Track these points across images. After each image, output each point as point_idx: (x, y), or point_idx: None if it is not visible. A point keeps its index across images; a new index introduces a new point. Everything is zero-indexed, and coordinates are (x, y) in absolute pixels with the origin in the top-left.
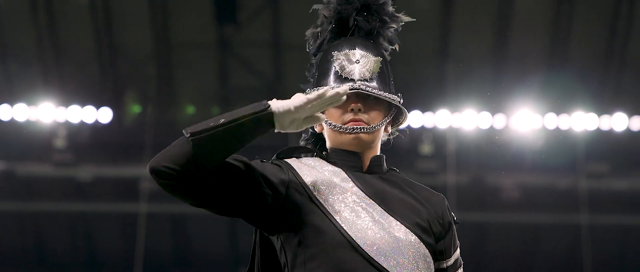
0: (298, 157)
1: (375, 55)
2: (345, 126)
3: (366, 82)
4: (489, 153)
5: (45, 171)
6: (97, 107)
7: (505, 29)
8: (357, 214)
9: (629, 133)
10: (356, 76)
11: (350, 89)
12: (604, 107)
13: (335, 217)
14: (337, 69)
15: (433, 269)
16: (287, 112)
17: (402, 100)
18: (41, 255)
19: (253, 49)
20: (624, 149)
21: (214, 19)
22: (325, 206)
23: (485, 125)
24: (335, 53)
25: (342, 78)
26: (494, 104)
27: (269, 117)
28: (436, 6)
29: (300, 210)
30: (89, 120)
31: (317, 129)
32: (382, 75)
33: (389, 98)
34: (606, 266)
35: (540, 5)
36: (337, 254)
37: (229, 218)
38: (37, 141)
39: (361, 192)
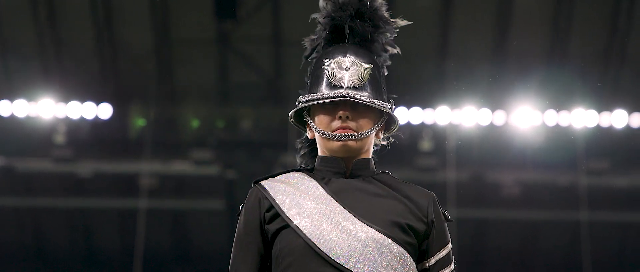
0: (273, 176)
1: (367, 62)
2: (333, 133)
3: (355, 90)
4: (489, 150)
5: (45, 167)
6: (97, 103)
7: (505, 26)
8: (326, 224)
9: (628, 130)
10: (346, 83)
11: (338, 97)
12: (604, 104)
13: (304, 231)
14: (328, 75)
15: (414, 268)
16: None
17: (393, 106)
18: (40, 251)
19: (253, 45)
20: (623, 146)
21: (214, 15)
22: (294, 221)
23: (485, 122)
24: (326, 60)
25: (332, 85)
26: (494, 101)
27: None
28: (436, 3)
29: (276, 229)
30: (89, 116)
31: (309, 136)
32: (374, 82)
33: (378, 105)
34: (605, 263)
35: (540, 2)
36: (305, 264)
37: (229, 215)
38: (37, 137)
39: (332, 199)
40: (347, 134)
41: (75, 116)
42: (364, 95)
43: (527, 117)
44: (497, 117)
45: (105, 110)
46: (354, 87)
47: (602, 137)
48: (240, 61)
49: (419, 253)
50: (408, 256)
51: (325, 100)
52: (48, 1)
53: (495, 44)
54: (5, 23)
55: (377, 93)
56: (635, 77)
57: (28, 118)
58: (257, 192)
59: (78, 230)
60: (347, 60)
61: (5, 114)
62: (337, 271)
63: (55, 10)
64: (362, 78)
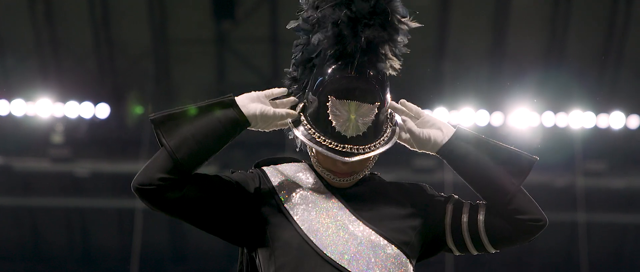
0: (275, 164)
1: (373, 101)
2: (334, 176)
3: (360, 141)
4: None
5: (42, 166)
6: (95, 102)
7: (503, 27)
8: (324, 221)
9: (626, 131)
10: (351, 132)
11: (343, 153)
12: (602, 105)
13: (301, 226)
14: (332, 117)
15: (410, 270)
16: (252, 114)
17: (396, 128)
18: (38, 250)
19: (251, 44)
20: (621, 148)
21: (212, 14)
22: (293, 215)
23: (482, 123)
24: (332, 98)
25: (335, 131)
26: (492, 102)
27: (232, 103)
28: (434, 3)
29: (269, 221)
30: (87, 115)
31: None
32: (378, 120)
33: (382, 150)
34: (603, 265)
35: (538, 2)
36: (304, 263)
37: None
38: (35, 136)
39: (334, 199)
40: (347, 178)
41: (73, 116)
42: (369, 147)
43: (525, 118)
44: (495, 118)
45: (103, 110)
46: (358, 137)
47: (600, 139)
48: (238, 61)
49: (436, 215)
50: (404, 257)
51: (328, 154)
52: (45, 0)
53: (492, 44)
54: (3, 22)
55: (381, 131)
56: (633, 79)
57: (26, 117)
58: (258, 173)
59: (75, 229)
60: (354, 104)
61: (3, 113)
62: (332, 267)
63: (53, 9)
64: (367, 122)
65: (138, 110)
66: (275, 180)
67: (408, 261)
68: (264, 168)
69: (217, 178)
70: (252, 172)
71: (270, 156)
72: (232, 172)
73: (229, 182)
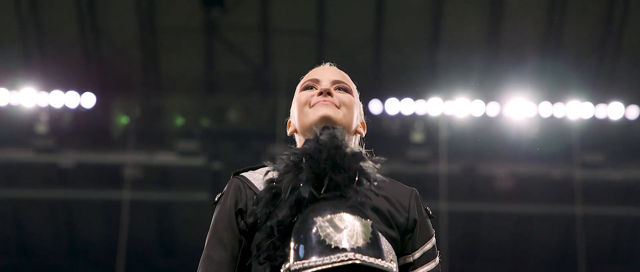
0: (254, 169)
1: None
2: None
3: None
4: (482, 142)
5: (26, 157)
6: (80, 92)
7: (499, 15)
8: None
9: (624, 122)
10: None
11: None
12: (600, 95)
13: None
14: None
15: (395, 261)
16: None
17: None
18: (22, 243)
19: (240, 33)
20: (619, 139)
21: (201, 2)
22: None
23: (478, 113)
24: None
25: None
26: (488, 92)
27: None
28: None
29: (257, 219)
30: (72, 105)
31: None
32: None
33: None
34: (600, 257)
35: None
36: None
37: (214, 208)
38: (18, 126)
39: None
40: None
41: (57, 105)
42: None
43: (521, 109)
44: (491, 109)
45: (88, 100)
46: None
47: (598, 130)
48: (227, 50)
49: (402, 248)
50: (391, 248)
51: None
52: None
53: (488, 33)
54: None
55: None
56: (632, 69)
57: (9, 107)
58: (238, 183)
59: (60, 222)
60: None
61: None
62: None
63: None
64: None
65: (124, 120)
66: (257, 183)
67: (394, 253)
68: (244, 175)
69: (225, 252)
70: (232, 183)
71: (260, 146)
72: (218, 213)
73: (232, 240)
